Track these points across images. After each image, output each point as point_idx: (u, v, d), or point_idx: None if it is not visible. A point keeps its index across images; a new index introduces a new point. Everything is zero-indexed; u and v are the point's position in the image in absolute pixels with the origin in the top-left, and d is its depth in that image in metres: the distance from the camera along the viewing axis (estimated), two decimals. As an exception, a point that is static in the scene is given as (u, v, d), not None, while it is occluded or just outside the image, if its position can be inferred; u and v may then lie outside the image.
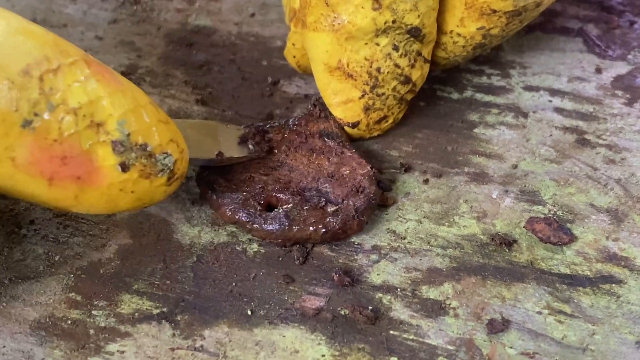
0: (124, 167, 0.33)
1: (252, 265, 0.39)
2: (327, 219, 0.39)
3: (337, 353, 0.36)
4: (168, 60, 0.46)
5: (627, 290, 0.37)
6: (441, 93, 0.46)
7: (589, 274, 0.38)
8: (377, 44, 0.39)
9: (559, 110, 0.45)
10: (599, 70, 0.47)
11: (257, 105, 0.46)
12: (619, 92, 0.46)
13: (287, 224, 0.38)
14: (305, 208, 0.39)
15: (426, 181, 0.42)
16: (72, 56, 0.31)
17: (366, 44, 0.39)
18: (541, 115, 0.45)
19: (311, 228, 0.39)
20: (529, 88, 0.46)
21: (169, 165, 0.34)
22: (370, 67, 0.40)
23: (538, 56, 0.47)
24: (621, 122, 0.44)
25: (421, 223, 0.40)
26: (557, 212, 0.40)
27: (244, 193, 0.40)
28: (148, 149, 0.33)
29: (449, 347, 0.36)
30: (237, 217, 0.39)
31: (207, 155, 0.39)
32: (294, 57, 0.44)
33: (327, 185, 0.40)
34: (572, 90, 0.46)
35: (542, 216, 0.40)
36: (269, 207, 0.40)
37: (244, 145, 0.41)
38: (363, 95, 0.41)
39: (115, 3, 0.51)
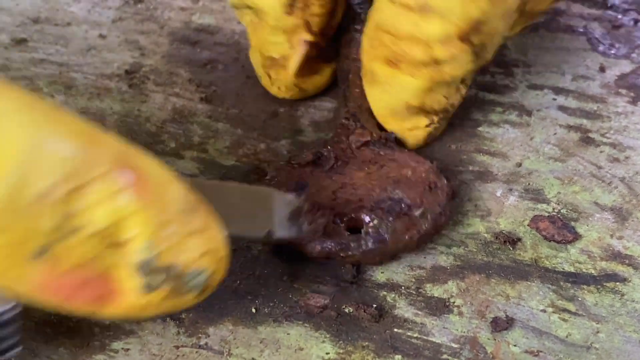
0: (149, 289, 0.28)
1: (256, 263, 0.39)
2: (418, 224, 0.38)
3: (341, 351, 0.36)
4: (172, 59, 0.46)
5: (631, 289, 0.37)
6: (445, 91, 0.46)
7: (593, 272, 0.38)
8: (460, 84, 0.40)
9: (563, 108, 0.45)
10: (602, 69, 0.47)
11: (261, 104, 0.46)
12: (623, 91, 0.46)
13: (381, 239, 0.37)
14: (390, 220, 0.37)
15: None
16: (104, 164, 0.26)
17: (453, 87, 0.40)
18: (545, 114, 0.45)
19: (406, 237, 0.37)
20: (533, 86, 0.46)
21: (202, 282, 0.29)
22: (447, 103, 0.40)
23: (542, 55, 0.47)
24: (625, 120, 0.44)
25: (425, 221, 0.40)
26: (562, 211, 0.40)
27: (320, 224, 0.37)
28: (177, 269, 0.28)
29: (453, 345, 0.36)
30: (328, 248, 0.37)
31: (255, 235, 0.35)
32: (279, 88, 0.44)
33: (398, 191, 0.39)
34: (576, 89, 0.46)
35: (547, 214, 0.40)
36: (351, 231, 0.38)
37: (295, 221, 0.36)
38: (430, 124, 0.41)
39: (119, 1, 0.51)
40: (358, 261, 0.38)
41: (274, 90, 0.45)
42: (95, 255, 0.26)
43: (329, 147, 0.41)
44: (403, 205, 0.38)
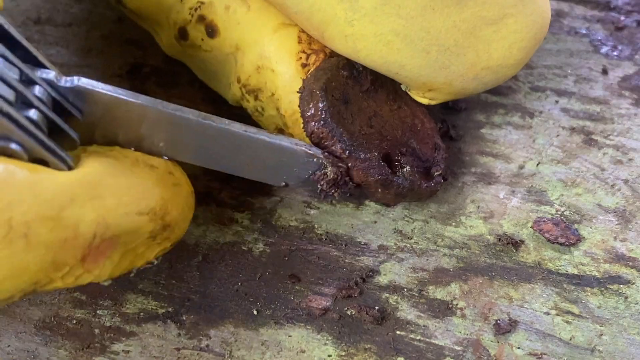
0: None
1: (258, 265, 0.39)
2: (434, 182, 0.38)
3: (343, 353, 0.36)
4: (174, 59, 0.45)
5: (635, 291, 0.37)
6: (447, 93, 0.46)
7: (596, 274, 0.38)
8: None
9: (565, 110, 0.45)
10: (605, 71, 0.46)
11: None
12: (626, 93, 0.45)
13: (411, 186, 0.37)
14: (415, 169, 0.38)
15: (433, 181, 0.42)
16: (66, 264, 0.29)
17: None
18: (548, 116, 0.44)
19: (425, 191, 0.38)
20: (535, 88, 0.46)
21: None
22: None
23: (545, 57, 0.47)
24: (628, 122, 0.44)
25: (428, 223, 0.40)
26: (565, 213, 0.40)
27: (366, 149, 0.36)
28: None
29: (456, 347, 0.36)
30: (383, 178, 0.36)
31: (273, 183, 0.36)
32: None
33: (413, 141, 0.39)
34: (579, 91, 0.46)
35: (550, 216, 0.40)
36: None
37: (314, 183, 0.36)
38: None
39: (120, 2, 0.51)
40: (381, 198, 0.37)
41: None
42: None
43: (366, 69, 0.39)
44: (419, 157, 0.38)
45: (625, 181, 0.41)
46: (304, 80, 0.37)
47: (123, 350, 0.36)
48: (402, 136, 0.38)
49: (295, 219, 0.40)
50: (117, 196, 0.30)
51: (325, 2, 0.34)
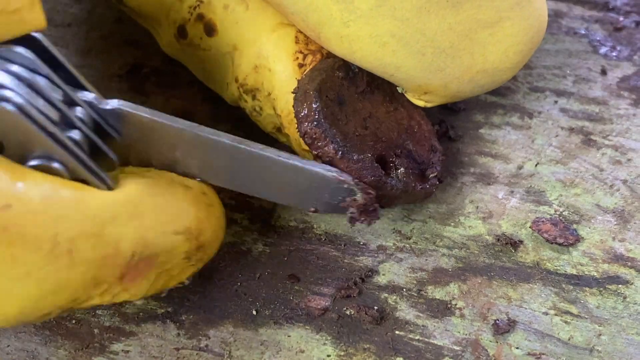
0: None
1: (257, 265, 0.39)
2: (429, 184, 0.38)
3: (342, 353, 0.36)
4: (173, 60, 0.45)
5: (633, 291, 0.37)
6: (446, 93, 0.46)
7: (595, 274, 0.38)
8: None
9: (564, 111, 0.45)
10: (604, 71, 0.46)
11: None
12: (625, 93, 0.45)
13: (405, 188, 0.37)
14: (410, 171, 0.37)
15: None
16: (105, 282, 0.30)
17: None
18: (547, 116, 0.44)
19: (419, 194, 0.38)
20: (534, 89, 0.46)
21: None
22: None
23: (543, 57, 0.47)
24: (627, 122, 0.44)
25: (426, 223, 0.40)
26: (563, 213, 0.40)
27: (360, 150, 0.36)
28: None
29: (455, 347, 0.36)
30: (376, 179, 0.35)
31: (302, 207, 0.36)
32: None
33: (409, 142, 0.39)
34: (577, 91, 0.46)
35: (548, 217, 0.40)
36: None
37: (343, 210, 0.36)
38: None
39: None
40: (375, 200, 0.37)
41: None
42: None
43: (362, 70, 0.39)
44: (415, 159, 0.38)
45: (624, 181, 0.41)
46: (298, 80, 0.37)
47: (122, 350, 0.36)
48: (397, 138, 0.38)
49: (295, 219, 0.40)
50: (155, 215, 0.31)
51: (322, 2, 0.34)
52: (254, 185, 0.34)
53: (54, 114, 0.29)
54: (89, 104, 0.32)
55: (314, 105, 0.36)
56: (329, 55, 0.38)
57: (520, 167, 0.42)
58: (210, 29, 0.40)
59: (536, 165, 0.42)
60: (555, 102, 0.45)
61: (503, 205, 0.41)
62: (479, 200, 0.41)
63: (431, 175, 0.38)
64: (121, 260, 0.30)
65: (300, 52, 0.38)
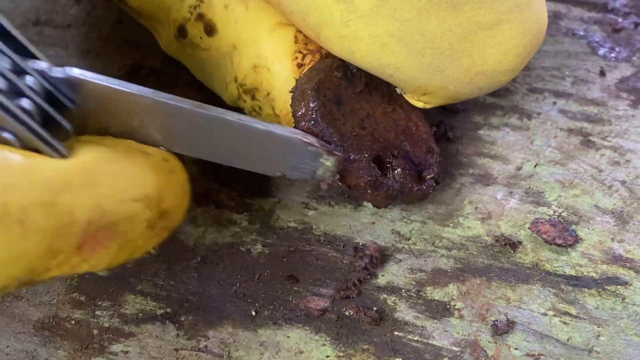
0: None
1: (256, 266, 0.39)
2: (426, 186, 0.38)
3: (341, 354, 0.36)
4: (173, 60, 0.45)
5: (632, 292, 0.37)
6: (445, 94, 0.46)
7: (594, 275, 0.38)
8: None
9: (563, 112, 0.45)
10: (603, 73, 0.46)
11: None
12: (624, 94, 0.46)
13: (402, 188, 0.37)
14: (407, 172, 0.38)
15: (431, 182, 0.42)
16: (62, 252, 0.29)
17: None
18: (546, 117, 0.44)
19: (416, 194, 0.38)
20: (533, 90, 0.46)
21: None
22: None
23: (542, 58, 0.47)
24: (626, 123, 0.44)
25: (425, 224, 0.40)
26: (562, 214, 0.40)
27: (357, 150, 0.36)
28: None
29: (454, 348, 0.36)
30: (372, 180, 0.36)
31: (270, 173, 0.35)
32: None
33: (406, 143, 0.39)
34: (576, 92, 0.46)
35: (547, 217, 0.40)
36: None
37: (310, 175, 0.36)
38: None
39: (119, 3, 0.51)
40: (371, 199, 0.37)
41: None
42: None
43: (360, 71, 0.39)
44: (412, 160, 0.38)
45: (623, 182, 0.41)
46: (297, 79, 0.37)
47: (122, 351, 0.36)
48: (395, 139, 0.38)
49: (294, 220, 0.40)
50: (111, 183, 0.30)
51: (322, 2, 0.34)
52: (217, 152, 0.34)
53: (1, 83, 0.28)
54: (41, 73, 0.30)
55: (311, 105, 0.36)
56: (328, 55, 0.38)
57: (519, 168, 0.42)
58: (210, 29, 0.40)
59: (535, 166, 0.42)
60: (554, 103, 0.45)
61: (502, 206, 0.41)
62: (478, 201, 0.41)
63: (428, 177, 0.38)
64: (77, 229, 0.29)
65: (300, 52, 0.38)
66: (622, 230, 0.39)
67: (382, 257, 0.39)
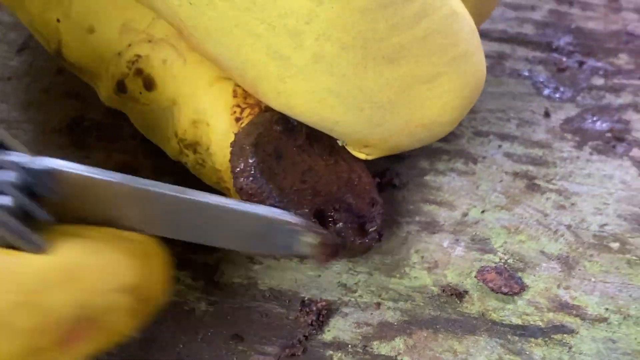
0: None
1: (199, 325, 0.38)
2: (368, 239, 0.38)
3: (286, 416, 0.35)
4: (115, 112, 0.45)
5: (579, 340, 0.37)
6: (392, 139, 0.46)
7: (540, 324, 0.38)
8: None
9: (508, 155, 0.45)
10: (547, 114, 0.47)
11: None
12: (569, 135, 0.46)
13: (344, 243, 0.37)
14: (348, 225, 0.37)
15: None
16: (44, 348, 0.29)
17: None
18: (491, 161, 0.44)
19: (358, 248, 0.38)
20: (478, 133, 0.46)
21: None
22: None
23: (487, 100, 0.47)
24: (571, 165, 0.44)
25: (372, 275, 0.40)
26: (508, 261, 0.40)
27: (298, 205, 0.36)
28: None
29: (400, 406, 0.35)
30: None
31: (252, 251, 0.37)
32: None
33: (349, 195, 0.38)
34: (521, 135, 0.46)
35: (493, 265, 0.40)
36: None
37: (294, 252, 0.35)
38: None
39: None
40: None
41: None
42: None
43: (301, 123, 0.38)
44: (355, 213, 0.38)
45: (568, 227, 0.41)
46: (235, 134, 0.37)
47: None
48: (337, 191, 0.38)
49: (239, 276, 0.40)
50: (92, 276, 0.30)
51: (258, 59, 0.34)
52: (200, 234, 0.33)
53: None
54: (19, 166, 0.30)
55: (250, 160, 0.35)
56: (267, 108, 0.38)
57: (465, 214, 0.42)
58: (149, 84, 0.40)
59: (482, 212, 0.42)
60: (500, 146, 0.45)
61: (448, 254, 0.41)
62: (424, 250, 0.41)
63: (371, 230, 0.38)
64: (58, 326, 0.29)
65: (238, 105, 0.38)
66: (568, 276, 0.39)
67: (328, 311, 0.38)
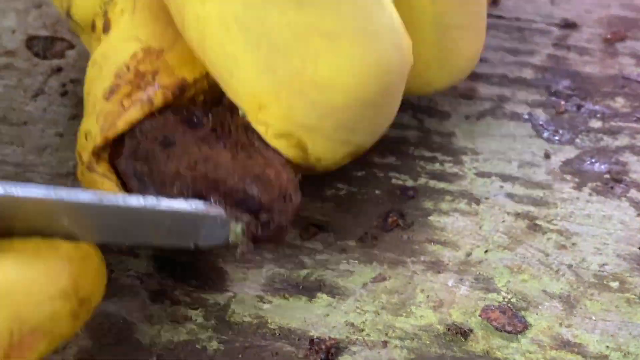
0: None
1: (209, 364, 0.39)
2: (258, 229, 0.38)
3: None
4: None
5: (581, 378, 0.38)
6: (396, 181, 0.47)
7: (543, 362, 0.39)
8: None
9: (510, 195, 0.46)
10: (548, 155, 0.48)
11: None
12: (568, 177, 0.47)
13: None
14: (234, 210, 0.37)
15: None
16: None
17: None
18: (493, 202, 0.46)
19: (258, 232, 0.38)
20: (481, 174, 0.47)
21: None
22: None
23: (489, 142, 0.49)
24: (571, 206, 0.45)
25: (379, 314, 0.41)
26: (511, 300, 0.41)
27: (175, 188, 0.37)
28: None
29: None
30: None
31: (183, 246, 0.37)
32: None
33: (255, 188, 0.38)
34: (522, 176, 0.47)
35: (497, 304, 0.41)
36: None
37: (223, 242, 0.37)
38: None
39: (75, 99, 0.51)
40: None
41: None
42: None
43: (209, 115, 0.40)
44: (254, 203, 0.38)
45: (569, 266, 0.43)
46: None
47: None
48: (238, 182, 0.38)
49: (249, 315, 0.41)
50: (26, 288, 0.30)
51: None
52: (126, 235, 0.35)
53: None
54: None
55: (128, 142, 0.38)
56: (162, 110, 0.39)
57: (468, 254, 0.43)
58: (107, 26, 0.42)
59: (485, 251, 0.43)
60: (501, 187, 0.47)
61: (453, 293, 0.42)
62: (430, 289, 0.42)
63: (264, 220, 0.38)
64: (1, 343, 0.29)
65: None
66: (570, 315, 0.40)
67: (336, 350, 0.39)
